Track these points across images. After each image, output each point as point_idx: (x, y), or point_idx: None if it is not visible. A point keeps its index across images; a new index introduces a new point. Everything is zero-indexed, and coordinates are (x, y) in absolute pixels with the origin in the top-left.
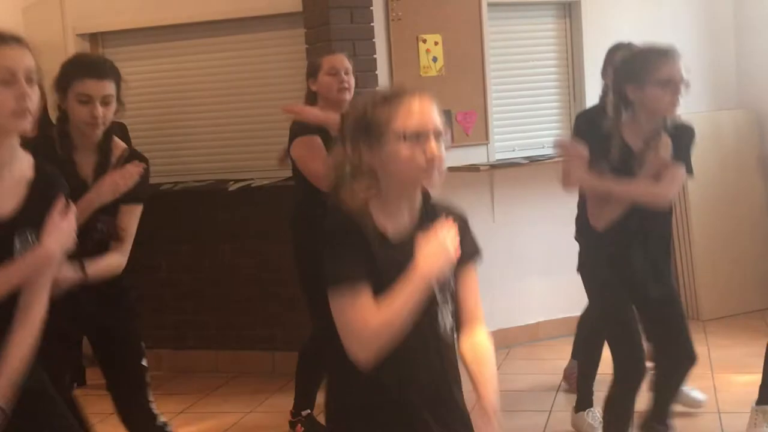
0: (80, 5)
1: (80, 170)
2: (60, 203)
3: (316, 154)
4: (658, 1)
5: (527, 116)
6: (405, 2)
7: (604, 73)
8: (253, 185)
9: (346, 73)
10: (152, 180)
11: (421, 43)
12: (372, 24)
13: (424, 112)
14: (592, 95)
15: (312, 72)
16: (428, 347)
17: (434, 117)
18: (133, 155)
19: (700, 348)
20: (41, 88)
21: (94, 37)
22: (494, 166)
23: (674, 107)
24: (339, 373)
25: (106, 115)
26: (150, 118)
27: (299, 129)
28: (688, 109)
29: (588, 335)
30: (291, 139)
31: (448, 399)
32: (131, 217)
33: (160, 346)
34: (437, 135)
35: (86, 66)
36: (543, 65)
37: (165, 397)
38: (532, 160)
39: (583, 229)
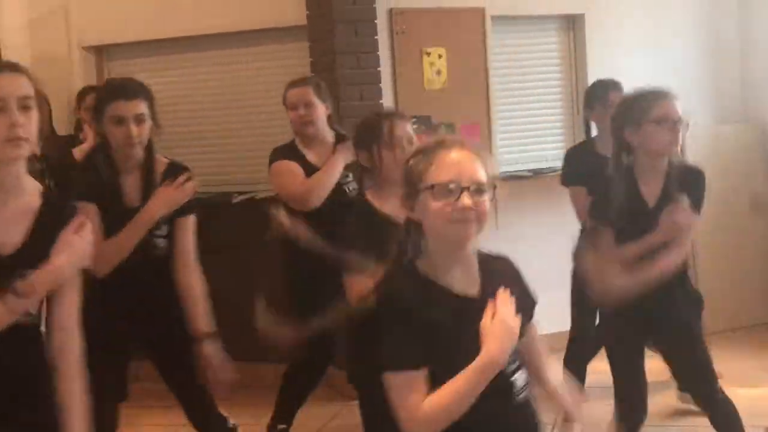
0: (86, 18)
1: (127, 195)
2: (76, 221)
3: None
4: (663, 14)
5: (531, 129)
6: (409, 16)
7: (591, 108)
8: (257, 197)
9: (307, 106)
10: None
11: (425, 57)
12: (376, 37)
13: (459, 164)
14: None
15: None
16: (506, 413)
17: (471, 169)
18: (175, 167)
19: None
20: (46, 107)
21: (99, 50)
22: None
23: (674, 146)
24: None
25: (141, 133)
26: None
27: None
28: (691, 122)
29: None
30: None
31: None
32: (188, 230)
33: None
34: (476, 188)
35: (115, 89)
36: (547, 78)
37: (168, 410)
38: (536, 173)
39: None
